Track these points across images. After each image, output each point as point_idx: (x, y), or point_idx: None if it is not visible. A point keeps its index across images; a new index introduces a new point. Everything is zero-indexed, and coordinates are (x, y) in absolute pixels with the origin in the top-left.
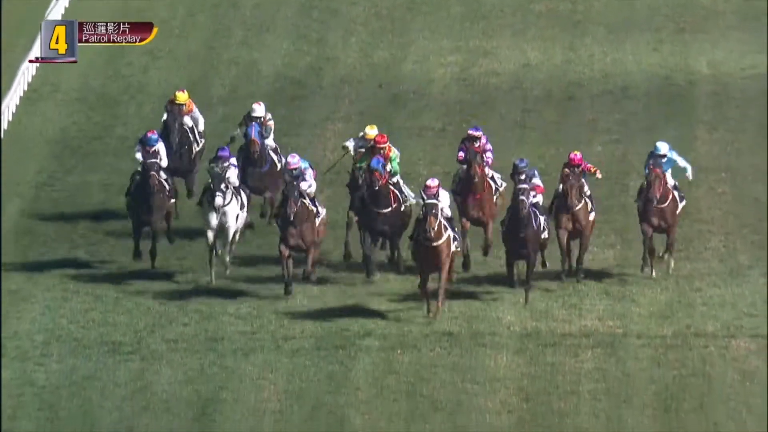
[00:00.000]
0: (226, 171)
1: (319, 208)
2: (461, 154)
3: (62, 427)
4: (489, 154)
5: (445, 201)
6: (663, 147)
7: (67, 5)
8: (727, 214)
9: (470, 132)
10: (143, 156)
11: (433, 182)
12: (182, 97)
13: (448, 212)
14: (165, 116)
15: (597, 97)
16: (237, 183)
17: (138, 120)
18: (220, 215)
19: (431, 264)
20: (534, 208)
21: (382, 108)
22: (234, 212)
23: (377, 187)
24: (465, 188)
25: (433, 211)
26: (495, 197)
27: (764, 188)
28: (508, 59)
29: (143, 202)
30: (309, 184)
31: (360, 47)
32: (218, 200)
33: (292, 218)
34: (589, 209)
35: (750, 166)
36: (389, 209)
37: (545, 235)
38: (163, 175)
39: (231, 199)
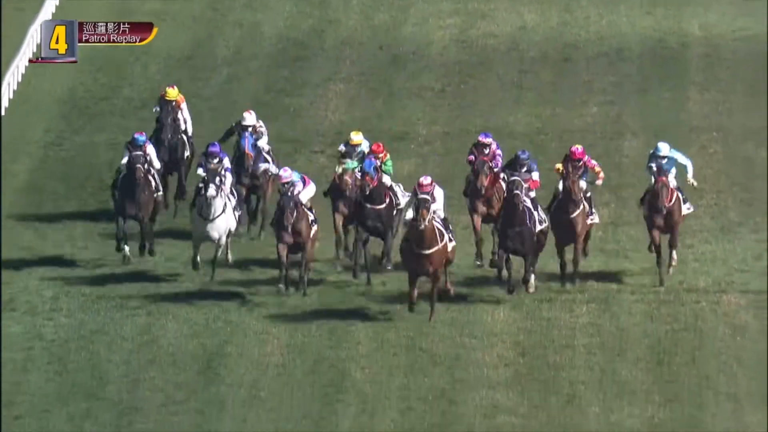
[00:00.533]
0: (218, 167)
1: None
2: (471, 157)
3: (71, 380)
4: (499, 159)
5: (439, 198)
6: (664, 148)
7: (61, 4)
8: (718, 173)
9: (480, 139)
10: (130, 155)
11: (426, 180)
12: (172, 93)
13: (441, 213)
14: (157, 110)
15: (592, 59)
16: (232, 179)
17: (144, 80)
18: (209, 225)
19: (422, 270)
20: (529, 203)
21: (382, 69)
22: (224, 224)
23: (368, 191)
24: (474, 192)
25: (426, 205)
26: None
27: (754, 147)
28: (505, 21)
29: (129, 196)
30: (304, 193)
31: (361, 9)
32: (211, 190)
33: (288, 227)
34: (587, 212)
35: (740, 125)
36: (383, 205)
37: (542, 227)
38: (151, 170)
39: (223, 210)
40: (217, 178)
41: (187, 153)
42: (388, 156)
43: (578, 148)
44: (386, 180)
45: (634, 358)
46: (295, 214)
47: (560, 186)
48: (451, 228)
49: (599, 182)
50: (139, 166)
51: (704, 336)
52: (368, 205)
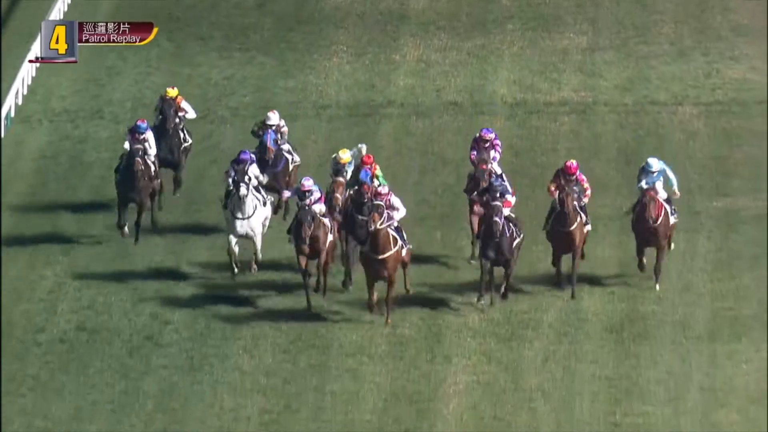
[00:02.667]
0: (247, 171)
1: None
2: (473, 154)
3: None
4: (498, 150)
5: (398, 206)
6: (654, 163)
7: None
8: (677, 5)
9: (483, 133)
10: (131, 143)
11: (383, 189)
12: (172, 92)
13: (394, 221)
14: (158, 105)
15: None
16: (262, 178)
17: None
18: (246, 223)
19: (378, 274)
20: (507, 221)
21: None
22: (259, 220)
23: (365, 199)
24: (473, 190)
25: (378, 210)
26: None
27: None
28: None
29: (129, 184)
30: (321, 207)
31: None
32: (242, 190)
33: (306, 240)
34: (584, 222)
35: None
36: (373, 213)
37: (518, 240)
38: (150, 158)
39: (255, 209)
40: (246, 177)
41: (185, 144)
42: (378, 167)
43: (573, 162)
44: (384, 189)
45: (606, 158)
46: (312, 226)
47: (557, 200)
48: (404, 234)
49: (585, 200)
50: (138, 159)
51: (664, 140)
52: (360, 217)
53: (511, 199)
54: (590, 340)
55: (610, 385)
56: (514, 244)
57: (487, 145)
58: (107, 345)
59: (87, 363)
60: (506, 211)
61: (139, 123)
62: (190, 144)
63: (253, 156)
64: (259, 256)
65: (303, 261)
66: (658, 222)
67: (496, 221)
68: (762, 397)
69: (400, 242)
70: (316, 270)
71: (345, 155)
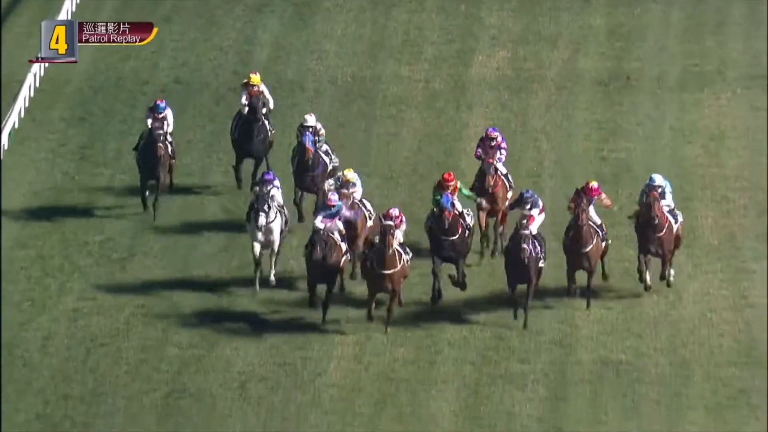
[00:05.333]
0: (270, 191)
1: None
2: (479, 151)
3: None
4: (504, 152)
5: (402, 228)
6: (658, 179)
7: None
8: None
9: (489, 132)
10: (152, 122)
11: (394, 211)
12: (255, 78)
13: (400, 239)
14: (243, 98)
15: None
16: (281, 201)
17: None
18: (265, 231)
19: (382, 287)
20: (534, 239)
21: None
22: (278, 228)
23: (447, 224)
24: (482, 191)
25: (391, 231)
26: (509, 194)
27: None
28: None
29: (151, 164)
30: (339, 229)
31: None
32: (261, 220)
33: (320, 259)
34: (601, 239)
35: None
36: (456, 236)
37: (541, 263)
38: (169, 137)
39: (275, 217)
40: (266, 205)
41: (270, 133)
42: (460, 184)
43: (594, 184)
44: (395, 211)
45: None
46: (325, 249)
47: (573, 217)
48: (406, 247)
49: (608, 203)
50: (160, 145)
51: None
52: (443, 237)
53: (536, 214)
54: (584, 92)
55: (599, 127)
56: (540, 264)
57: (493, 143)
58: None
59: None
60: (532, 227)
61: (158, 102)
62: (273, 134)
63: (276, 177)
64: (274, 269)
65: (313, 290)
66: (663, 232)
67: (524, 248)
68: (720, 135)
69: (405, 257)
70: (324, 294)
71: (350, 173)
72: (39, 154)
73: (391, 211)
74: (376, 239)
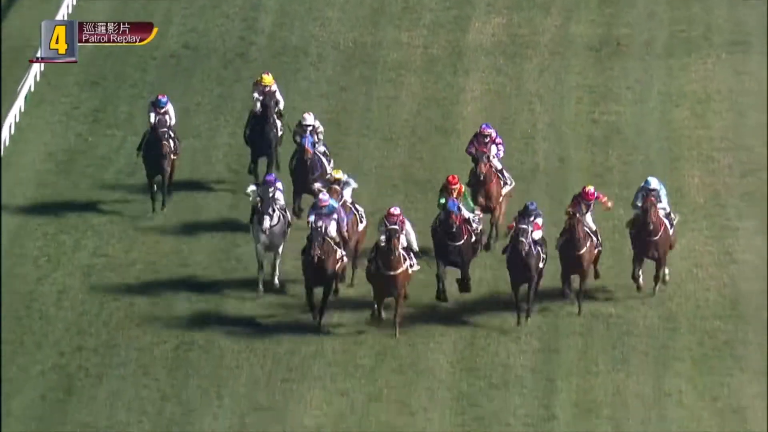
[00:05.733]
0: (274, 194)
1: (340, 250)
2: (471, 148)
3: None
4: (501, 148)
5: (409, 230)
6: (653, 182)
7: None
8: None
9: (482, 128)
10: (155, 116)
11: (395, 210)
12: (268, 79)
13: (404, 242)
14: (256, 96)
15: None
16: (283, 203)
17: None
18: (269, 234)
19: (388, 291)
20: (534, 242)
21: None
22: (281, 230)
23: (454, 229)
24: (475, 182)
25: (396, 235)
26: (504, 189)
27: None
28: None
29: (155, 160)
30: (335, 227)
31: None
32: (266, 223)
33: (316, 261)
34: (595, 245)
35: None
36: (462, 242)
37: (542, 264)
38: (172, 132)
39: (278, 220)
40: (270, 208)
41: (280, 133)
42: (464, 188)
43: (590, 189)
44: (396, 210)
45: None
46: (322, 248)
47: (567, 226)
48: (413, 256)
49: (610, 205)
50: (165, 143)
51: None
52: (450, 242)
53: (541, 223)
54: (576, 57)
55: (590, 90)
56: (540, 264)
57: (486, 140)
58: None
59: None
60: (537, 234)
61: (159, 98)
62: (282, 133)
63: (278, 180)
64: (278, 271)
65: (311, 295)
66: (658, 236)
67: (521, 241)
68: (706, 99)
69: (408, 261)
70: (321, 297)
71: (339, 174)
72: (54, 116)
73: (392, 210)
74: (381, 240)
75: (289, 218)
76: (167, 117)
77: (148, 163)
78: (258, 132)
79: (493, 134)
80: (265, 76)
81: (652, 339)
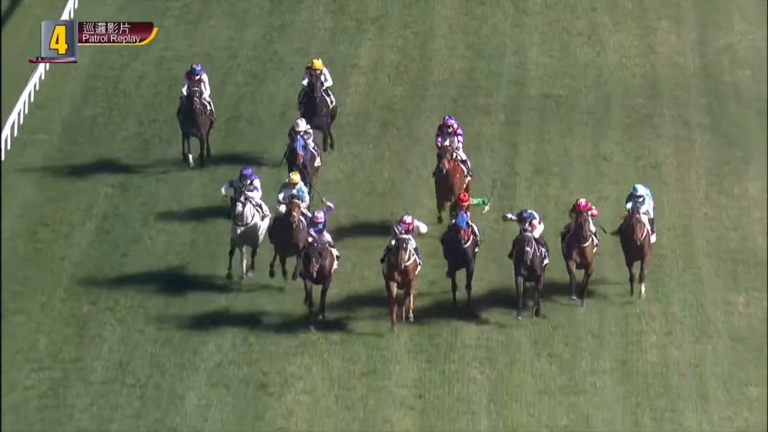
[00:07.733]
0: (248, 187)
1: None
2: (439, 140)
3: None
4: (460, 138)
5: (422, 229)
6: (641, 189)
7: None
8: None
9: (445, 120)
10: (189, 83)
11: (408, 218)
12: (318, 63)
13: (414, 244)
14: (306, 80)
15: None
16: (259, 200)
17: None
18: (244, 227)
19: (398, 282)
20: (536, 242)
21: None
22: (257, 226)
23: (466, 245)
24: (439, 176)
25: (404, 245)
26: (466, 180)
27: None
28: None
29: (190, 121)
30: (328, 236)
31: None
32: (238, 208)
33: (314, 273)
34: (594, 245)
35: None
36: (467, 245)
37: (546, 261)
38: (206, 98)
39: (254, 215)
40: (243, 196)
41: (331, 106)
42: (472, 200)
43: (582, 201)
44: (408, 218)
45: None
46: (320, 260)
47: (571, 226)
48: (419, 254)
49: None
50: (196, 99)
51: None
52: (458, 246)
53: (538, 224)
54: None
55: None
56: (544, 263)
57: (450, 131)
58: None
59: None
60: (536, 233)
61: (194, 66)
62: (336, 105)
63: (254, 174)
64: (252, 262)
65: (309, 283)
66: (643, 241)
67: (527, 251)
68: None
69: (415, 257)
70: (319, 296)
71: (296, 177)
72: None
73: (405, 218)
74: (392, 244)
75: (266, 212)
76: (202, 84)
77: (183, 124)
78: (310, 108)
79: (455, 125)
80: (315, 60)
81: (590, 114)
